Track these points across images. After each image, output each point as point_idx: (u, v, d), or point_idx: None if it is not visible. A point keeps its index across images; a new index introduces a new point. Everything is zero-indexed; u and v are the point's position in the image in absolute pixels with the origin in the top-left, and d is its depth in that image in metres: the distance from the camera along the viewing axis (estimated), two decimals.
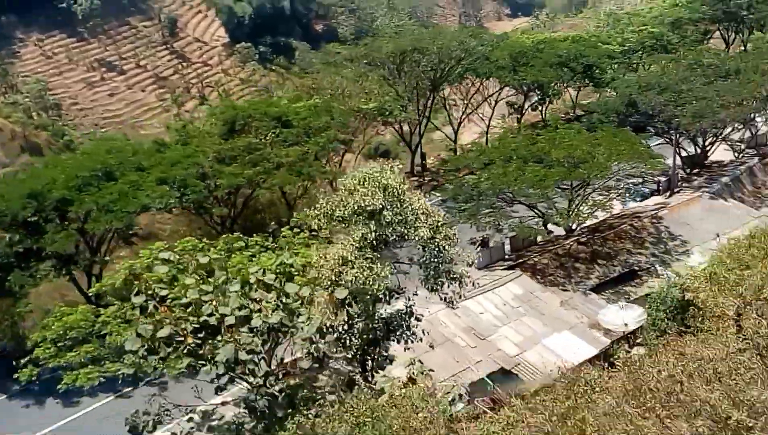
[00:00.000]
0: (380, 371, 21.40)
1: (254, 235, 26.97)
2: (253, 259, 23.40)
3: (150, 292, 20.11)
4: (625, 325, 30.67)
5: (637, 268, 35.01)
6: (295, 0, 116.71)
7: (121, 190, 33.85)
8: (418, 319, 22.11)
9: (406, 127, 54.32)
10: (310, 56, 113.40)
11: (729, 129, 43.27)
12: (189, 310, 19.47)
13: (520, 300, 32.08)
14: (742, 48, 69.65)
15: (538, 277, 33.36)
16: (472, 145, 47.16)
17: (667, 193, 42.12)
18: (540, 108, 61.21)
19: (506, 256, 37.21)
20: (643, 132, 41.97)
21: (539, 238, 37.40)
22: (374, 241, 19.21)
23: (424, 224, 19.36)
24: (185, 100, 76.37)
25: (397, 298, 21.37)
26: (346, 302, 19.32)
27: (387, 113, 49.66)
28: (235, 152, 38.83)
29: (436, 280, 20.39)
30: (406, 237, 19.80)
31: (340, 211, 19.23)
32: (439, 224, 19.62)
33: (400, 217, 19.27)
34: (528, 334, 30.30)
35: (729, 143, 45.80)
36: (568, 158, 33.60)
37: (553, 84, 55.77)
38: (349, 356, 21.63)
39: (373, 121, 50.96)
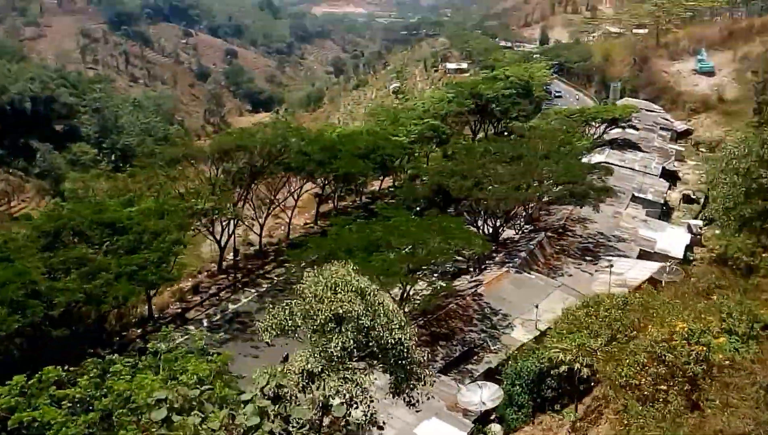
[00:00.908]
0: None
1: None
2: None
3: None
4: (483, 403, 30.68)
5: (473, 346, 35.50)
6: (37, 100, 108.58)
7: None
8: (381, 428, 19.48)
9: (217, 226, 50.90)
10: (53, 157, 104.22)
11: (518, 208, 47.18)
12: None
13: (383, 390, 30.35)
14: (485, 135, 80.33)
15: None
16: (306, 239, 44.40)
17: (476, 271, 44.11)
18: (348, 197, 62.94)
19: None
20: (444, 214, 44.29)
21: None
22: (352, 350, 16.74)
23: (394, 325, 17.43)
24: None
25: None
26: None
27: (218, 211, 46.60)
28: (68, 265, 33.89)
29: (407, 384, 18.32)
30: (382, 341, 17.60)
31: (307, 320, 16.50)
32: (403, 323, 17.84)
33: (377, 322, 17.13)
34: (399, 426, 28.60)
35: (512, 222, 49.99)
36: (408, 245, 33.41)
37: (360, 174, 57.05)
38: None
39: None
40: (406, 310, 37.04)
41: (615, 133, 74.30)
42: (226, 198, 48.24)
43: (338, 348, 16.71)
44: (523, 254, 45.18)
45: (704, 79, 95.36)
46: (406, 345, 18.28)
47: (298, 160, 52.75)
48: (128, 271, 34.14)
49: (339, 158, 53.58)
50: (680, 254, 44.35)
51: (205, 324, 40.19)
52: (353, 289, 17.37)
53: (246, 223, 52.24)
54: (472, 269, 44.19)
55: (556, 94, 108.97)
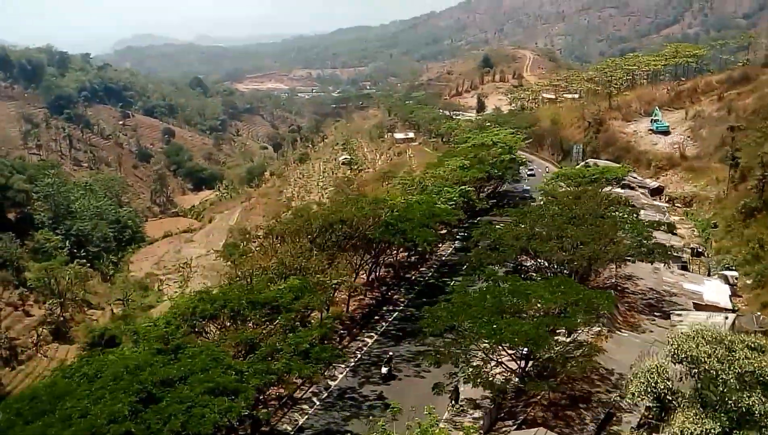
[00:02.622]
0: None
1: None
2: None
3: None
4: None
5: (610, 407, 34.58)
6: None
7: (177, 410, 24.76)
8: None
9: None
10: (13, 246, 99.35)
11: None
12: None
13: None
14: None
15: (556, 432, 30.81)
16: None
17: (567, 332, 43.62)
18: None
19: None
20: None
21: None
22: None
23: None
24: None
25: None
26: None
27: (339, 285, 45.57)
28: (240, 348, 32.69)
29: None
30: None
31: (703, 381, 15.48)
32: None
33: None
34: None
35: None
36: (543, 313, 32.70)
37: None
38: None
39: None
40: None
41: (605, 191, 76.96)
42: (345, 272, 46.66)
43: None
44: (604, 313, 45.18)
45: (662, 138, 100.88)
46: None
47: (386, 231, 51.52)
48: (302, 350, 32.04)
49: (413, 228, 52.51)
50: (729, 305, 45.72)
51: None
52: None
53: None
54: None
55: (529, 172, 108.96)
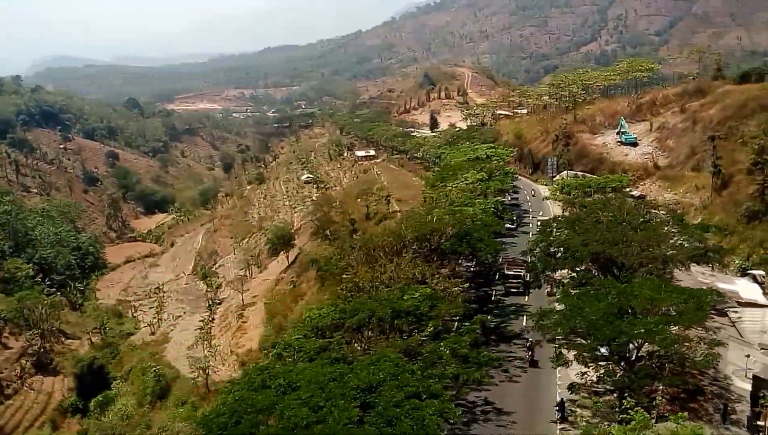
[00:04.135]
0: None
1: None
2: None
3: None
4: None
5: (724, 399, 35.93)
6: None
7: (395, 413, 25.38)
8: None
9: None
10: None
11: None
12: None
13: None
14: None
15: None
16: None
17: None
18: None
19: None
20: None
21: None
22: None
23: None
24: None
25: None
26: None
27: None
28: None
29: None
30: None
31: None
32: None
33: None
34: None
35: None
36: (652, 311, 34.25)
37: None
38: None
39: None
40: None
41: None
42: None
43: None
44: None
45: (631, 150, 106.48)
46: None
47: (456, 242, 52.55)
48: (461, 355, 32.91)
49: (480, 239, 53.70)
50: (766, 301, 49.42)
51: None
52: None
53: None
54: None
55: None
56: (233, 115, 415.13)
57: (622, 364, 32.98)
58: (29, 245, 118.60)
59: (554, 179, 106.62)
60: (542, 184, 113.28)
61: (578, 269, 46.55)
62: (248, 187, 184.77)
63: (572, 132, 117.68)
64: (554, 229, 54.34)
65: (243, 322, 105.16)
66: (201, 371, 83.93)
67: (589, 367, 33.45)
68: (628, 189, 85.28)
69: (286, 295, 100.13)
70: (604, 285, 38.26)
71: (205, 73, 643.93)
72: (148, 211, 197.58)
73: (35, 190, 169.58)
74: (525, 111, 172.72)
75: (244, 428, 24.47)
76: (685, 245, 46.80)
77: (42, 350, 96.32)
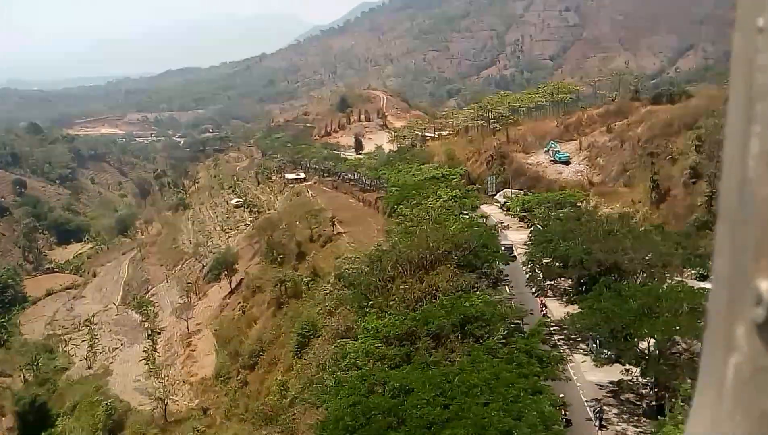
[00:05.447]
0: None
1: None
2: None
3: None
4: None
5: None
6: None
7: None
8: None
9: None
10: None
11: None
12: None
13: None
14: None
15: None
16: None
17: None
18: None
19: None
20: None
21: None
22: None
23: None
24: None
25: None
26: None
27: None
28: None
29: None
30: None
31: None
32: None
33: None
34: None
35: None
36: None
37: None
38: None
39: None
40: None
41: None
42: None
43: None
44: None
45: (565, 168, 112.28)
46: None
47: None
48: (536, 355, 33.74)
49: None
50: None
51: None
52: None
53: None
54: None
55: None
56: (137, 139, 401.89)
57: (661, 361, 35.19)
58: None
59: (495, 198, 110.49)
60: (484, 203, 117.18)
61: (583, 276, 49.11)
62: (169, 213, 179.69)
63: (507, 152, 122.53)
64: (549, 243, 56.59)
65: (192, 351, 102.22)
66: (159, 401, 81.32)
67: (629, 365, 35.55)
68: (581, 203, 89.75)
69: (237, 321, 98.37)
70: (629, 287, 40.76)
71: (103, 96, 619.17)
72: (63, 241, 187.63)
73: None
74: (448, 133, 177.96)
75: (374, 430, 24.81)
76: (676, 251, 50.51)
77: None
